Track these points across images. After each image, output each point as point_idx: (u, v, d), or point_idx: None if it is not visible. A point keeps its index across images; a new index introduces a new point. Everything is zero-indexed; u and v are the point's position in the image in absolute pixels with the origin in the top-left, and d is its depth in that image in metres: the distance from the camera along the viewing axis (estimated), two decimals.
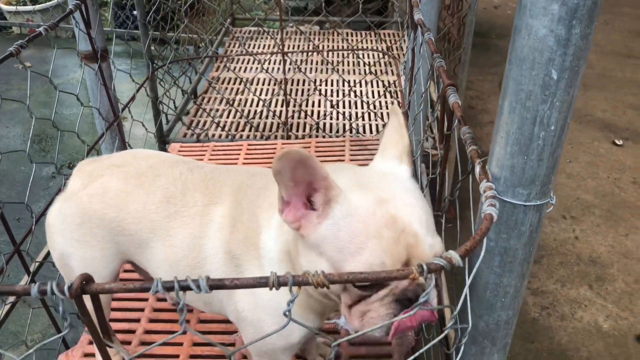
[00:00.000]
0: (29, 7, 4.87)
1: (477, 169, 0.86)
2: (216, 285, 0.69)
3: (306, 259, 0.91)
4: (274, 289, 0.67)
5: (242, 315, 1.08)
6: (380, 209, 0.86)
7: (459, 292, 0.80)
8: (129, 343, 1.49)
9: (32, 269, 1.48)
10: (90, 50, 1.82)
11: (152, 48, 2.43)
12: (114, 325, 1.52)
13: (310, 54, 3.35)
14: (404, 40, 3.55)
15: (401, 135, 1.04)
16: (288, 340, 1.09)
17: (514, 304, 0.92)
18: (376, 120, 2.73)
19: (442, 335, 0.80)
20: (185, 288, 0.68)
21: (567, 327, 2.26)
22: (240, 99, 2.94)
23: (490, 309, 0.92)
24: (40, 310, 1.48)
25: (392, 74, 3.17)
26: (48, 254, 1.83)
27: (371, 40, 3.69)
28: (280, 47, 2.41)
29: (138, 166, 1.18)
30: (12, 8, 4.88)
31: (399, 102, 2.75)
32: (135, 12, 4.58)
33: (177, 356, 1.46)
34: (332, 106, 2.70)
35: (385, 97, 2.89)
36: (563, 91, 0.72)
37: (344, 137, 2.47)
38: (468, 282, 0.79)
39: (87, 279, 0.69)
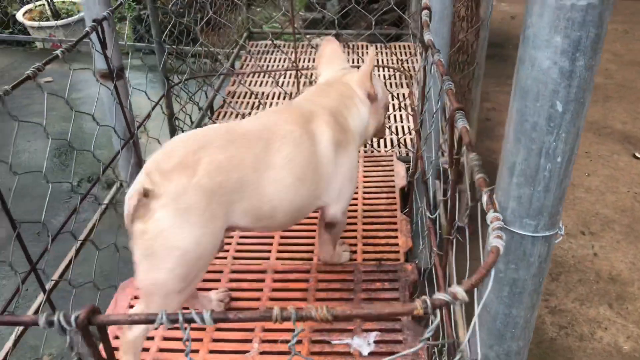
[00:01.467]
0: (52, 23, 4.98)
1: (484, 197, 0.85)
2: (219, 318, 0.69)
3: (373, 119, 1.68)
4: None
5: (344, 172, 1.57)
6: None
7: (468, 323, 0.79)
8: None
9: (47, 286, 1.51)
10: (106, 69, 1.85)
11: (169, 62, 2.47)
12: None
13: None
14: (420, 53, 3.54)
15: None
16: None
17: (525, 334, 0.91)
18: (390, 134, 2.73)
19: None
20: (189, 321, 0.69)
21: (586, 347, 2.22)
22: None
23: (500, 339, 0.91)
24: None
25: (407, 87, 3.16)
26: (64, 271, 1.86)
27: (387, 53, 3.69)
28: (293, 63, 2.42)
29: (220, 137, 1.34)
30: (35, 23, 5.00)
31: (413, 117, 2.74)
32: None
33: None
34: None
35: (400, 110, 2.89)
36: (568, 123, 0.71)
37: (358, 152, 2.46)
38: (477, 312, 0.78)
39: (93, 311, 0.70)
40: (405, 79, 3.22)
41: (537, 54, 0.68)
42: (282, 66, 3.58)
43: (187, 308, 1.61)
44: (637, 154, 3.41)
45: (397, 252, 1.88)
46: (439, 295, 0.69)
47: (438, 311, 0.77)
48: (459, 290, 0.69)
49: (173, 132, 2.54)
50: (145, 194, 1.22)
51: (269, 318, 0.68)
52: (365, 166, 2.29)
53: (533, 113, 0.71)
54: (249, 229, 1.45)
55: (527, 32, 0.69)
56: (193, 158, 1.27)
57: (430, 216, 1.41)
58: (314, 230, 1.97)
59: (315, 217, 2.02)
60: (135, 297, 1.74)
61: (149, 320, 0.69)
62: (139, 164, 2.02)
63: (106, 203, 2.16)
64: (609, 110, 3.93)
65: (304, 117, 1.49)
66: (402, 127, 2.82)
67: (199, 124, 2.89)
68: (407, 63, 3.44)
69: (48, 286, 1.48)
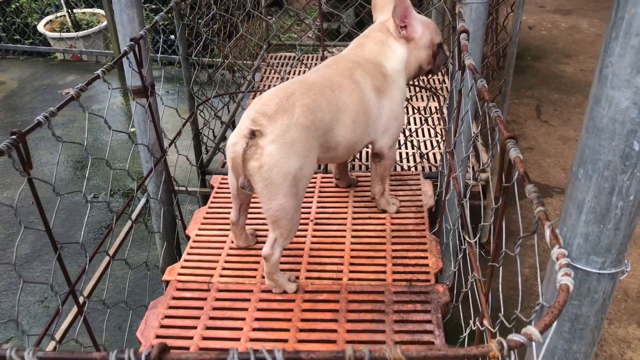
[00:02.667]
0: (72, 34, 5.02)
1: (547, 232, 0.84)
2: (291, 357, 0.69)
3: (414, 56, 1.91)
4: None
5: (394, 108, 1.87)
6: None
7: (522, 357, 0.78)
8: None
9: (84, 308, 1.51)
10: (140, 86, 1.86)
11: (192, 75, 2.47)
12: None
13: None
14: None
15: None
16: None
17: None
18: (412, 148, 2.72)
19: None
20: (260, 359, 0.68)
21: None
22: None
23: None
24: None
25: (431, 100, 3.16)
26: (93, 288, 1.86)
27: None
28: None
29: (299, 87, 1.63)
30: (56, 34, 5.04)
31: (441, 136, 2.73)
32: (172, 37, 4.68)
33: None
34: None
35: (421, 124, 2.88)
36: None
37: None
38: (542, 352, 0.77)
39: (163, 349, 0.69)
40: (426, 92, 3.21)
41: (616, 94, 0.67)
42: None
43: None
44: None
45: (428, 272, 1.86)
46: (515, 337, 0.68)
47: (513, 352, 0.76)
48: (534, 332, 0.68)
49: (198, 146, 2.55)
50: (252, 135, 1.52)
51: (342, 359, 0.67)
52: (392, 185, 2.27)
53: (607, 152, 0.70)
54: (319, 160, 1.72)
55: (605, 71, 0.68)
56: (288, 103, 1.57)
57: (470, 240, 1.40)
58: (342, 250, 1.96)
59: (342, 232, 2.01)
60: (166, 317, 1.74)
61: (219, 358, 0.68)
62: (169, 181, 2.02)
63: (133, 218, 2.17)
64: None
65: (349, 69, 1.77)
66: (424, 142, 2.81)
67: (222, 138, 2.90)
68: (431, 79, 3.43)
69: (84, 308, 1.48)
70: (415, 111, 2.97)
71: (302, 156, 1.58)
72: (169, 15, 1.90)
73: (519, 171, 0.98)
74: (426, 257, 1.92)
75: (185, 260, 1.96)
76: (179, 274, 1.90)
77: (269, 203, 1.61)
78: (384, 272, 1.87)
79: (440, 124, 2.91)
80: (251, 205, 1.94)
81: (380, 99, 1.82)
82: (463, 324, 1.73)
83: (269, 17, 4.54)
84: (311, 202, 2.21)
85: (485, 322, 1.23)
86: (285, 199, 1.60)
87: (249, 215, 2.00)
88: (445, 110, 2.22)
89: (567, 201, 0.80)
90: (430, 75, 2.46)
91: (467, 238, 1.41)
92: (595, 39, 5.41)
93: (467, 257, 1.40)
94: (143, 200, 2.23)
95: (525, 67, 4.83)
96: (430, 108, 3.07)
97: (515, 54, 2.31)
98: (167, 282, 1.89)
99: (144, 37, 1.66)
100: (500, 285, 1.26)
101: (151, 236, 2.02)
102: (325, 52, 2.50)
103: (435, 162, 2.64)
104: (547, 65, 4.87)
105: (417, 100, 3.20)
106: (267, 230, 2.08)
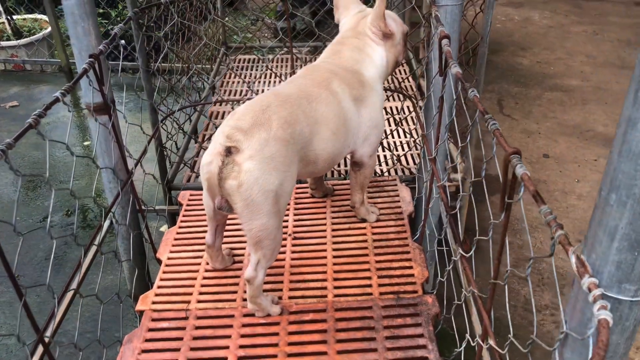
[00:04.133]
0: (13, 42, 4.73)
1: (573, 259, 0.79)
2: None
3: (392, 53, 1.87)
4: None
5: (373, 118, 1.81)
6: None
7: None
8: None
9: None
10: (102, 103, 1.71)
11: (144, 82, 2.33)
12: None
13: None
14: (420, 76, 3.51)
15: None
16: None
17: None
18: (388, 150, 2.66)
19: None
20: None
21: None
22: None
23: None
24: None
25: (405, 100, 3.12)
26: (59, 324, 1.71)
27: None
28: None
29: (274, 100, 1.56)
30: None
31: (415, 139, 2.69)
32: (123, 42, 4.46)
33: None
34: None
35: (396, 126, 2.83)
36: None
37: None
38: None
39: None
40: (399, 94, 3.17)
41: None
42: (268, 81, 3.47)
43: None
44: None
45: (414, 283, 1.81)
46: None
47: None
48: None
49: (162, 161, 2.41)
50: (228, 152, 1.43)
51: None
52: (369, 192, 2.21)
53: None
54: (298, 174, 1.65)
55: None
56: (264, 116, 1.49)
57: (465, 254, 1.34)
58: (325, 264, 1.88)
59: (322, 246, 1.94)
60: (143, 352, 1.62)
61: None
62: (136, 203, 1.89)
63: (98, 243, 2.02)
64: (589, 113, 3.98)
65: (326, 79, 1.70)
66: (400, 143, 2.76)
67: (186, 149, 2.77)
68: (404, 82, 3.38)
69: (56, 353, 1.35)
70: (389, 113, 2.92)
71: (283, 171, 1.51)
72: (127, 25, 1.76)
73: (529, 190, 0.92)
74: (411, 267, 1.86)
75: (159, 287, 1.84)
76: (153, 303, 1.78)
77: (250, 223, 1.52)
78: (370, 285, 1.81)
79: (414, 124, 2.87)
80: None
81: (360, 108, 1.77)
82: (457, 337, 1.68)
83: (225, 18, 4.40)
84: (287, 216, 2.12)
85: (491, 341, 1.18)
86: (267, 218, 1.51)
87: (224, 233, 1.89)
88: (421, 114, 2.16)
89: (596, 227, 0.75)
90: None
91: (461, 252, 1.36)
92: (547, 31, 5.51)
93: (459, 268, 1.35)
94: (107, 224, 2.09)
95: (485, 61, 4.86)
96: (403, 109, 3.02)
97: (484, 52, 2.28)
98: (141, 312, 1.77)
99: (103, 52, 1.52)
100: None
101: (119, 261, 1.89)
102: (291, 55, 2.41)
103: (408, 164, 2.60)
104: (505, 59, 4.92)
105: (389, 100, 3.15)
106: (244, 248, 1.98)
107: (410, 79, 3.43)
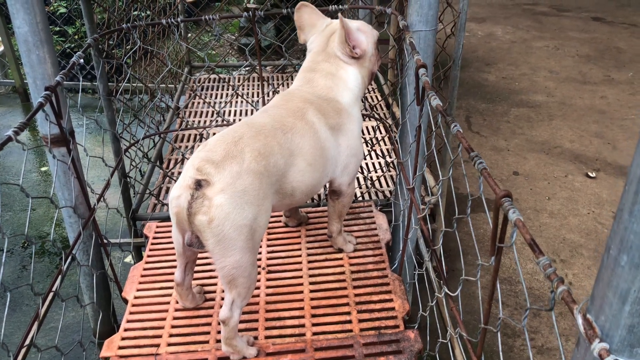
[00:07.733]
0: None
1: (579, 319, 0.73)
2: None
3: (366, 68, 1.80)
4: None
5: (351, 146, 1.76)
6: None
7: None
8: None
9: None
10: (59, 134, 1.60)
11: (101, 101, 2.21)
12: None
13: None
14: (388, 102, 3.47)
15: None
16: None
17: None
18: (362, 173, 2.61)
19: None
20: None
21: None
22: None
23: None
24: None
25: (373, 119, 3.07)
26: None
27: None
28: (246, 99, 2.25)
29: (247, 131, 1.50)
30: None
31: (392, 165, 2.64)
32: (82, 61, 4.31)
33: None
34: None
35: (371, 148, 2.78)
36: None
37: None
38: None
39: None
40: (374, 118, 3.12)
41: None
42: (233, 101, 3.38)
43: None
44: (589, 173, 3.50)
45: (395, 317, 1.74)
46: None
47: None
48: None
49: (126, 191, 2.29)
50: (198, 185, 1.36)
51: None
52: (345, 220, 2.14)
53: None
54: (274, 208, 1.59)
55: None
56: (236, 148, 1.44)
57: (451, 294, 1.29)
58: (302, 299, 1.80)
59: (299, 279, 1.87)
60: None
61: None
62: (99, 241, 1.77)
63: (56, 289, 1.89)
64: (556, 129, 4.03)
65: (300, 109, 1.64)
66: (368, 165, 2.71)
67: (150, 176, 2.65)
68: (377, 108, 3.34)
69: None
70: (363, 133, 2.87)
71: (256, 205, 1.44)
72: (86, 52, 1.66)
73: (525, 238, 0.87)
74: (391, 300, 1.80)
75: (125, 330, 1.72)
76: (120, 348, 1.67)
77: (222, 261, 1.43)
78: (350, 321, 1.73)
79: (387, 145, 2.83)
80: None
81: (337, 137, 1.71)
82: None
83: (188, 34, 4.29)
84: (261, 247, 2.03)
85: None
86: (241, 255, 1.44)
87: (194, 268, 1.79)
88: (395, 138, 2.12)
89: (605, 288, 0.69)
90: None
91: (446, 291, 1.30)
92: (510, 46, 5.60)
93: (446, 308, 1.29)
94: (68, 262, 1.95)
95: (450, 77, 4.89)
96: (376, 128, 2.98)
97: (439, 62, 2.26)
98: (107, 359, 1.65)
99: (61, 84, 1.41)
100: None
101: (82, 306, 1.76)
102: (260, 77, 2.32)
103: (381, 186, 2.55)
104: (471, 75, 4.97)
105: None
106: (215, 284, 1.88)
107: (379, 96, 3.40)
